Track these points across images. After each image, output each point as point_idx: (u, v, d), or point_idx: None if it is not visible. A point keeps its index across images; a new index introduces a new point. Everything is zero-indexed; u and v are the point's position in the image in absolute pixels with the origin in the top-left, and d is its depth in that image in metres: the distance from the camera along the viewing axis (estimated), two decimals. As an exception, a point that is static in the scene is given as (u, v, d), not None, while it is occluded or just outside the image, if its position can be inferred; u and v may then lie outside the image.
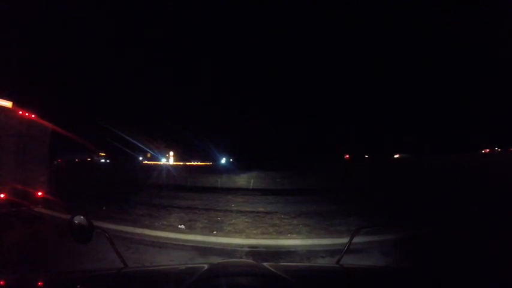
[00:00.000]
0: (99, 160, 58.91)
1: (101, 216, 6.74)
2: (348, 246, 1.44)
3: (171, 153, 59.30)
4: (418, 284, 1.15)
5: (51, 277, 1.32)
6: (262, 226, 6.52)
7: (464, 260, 3.38)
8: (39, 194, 7.40)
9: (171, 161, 57.44)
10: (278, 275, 1.12)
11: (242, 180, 20.72)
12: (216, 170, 32.93)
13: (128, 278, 1.23)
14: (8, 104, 8.06)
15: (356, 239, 1.64)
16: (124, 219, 6.64)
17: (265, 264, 1.38)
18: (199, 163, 58.18)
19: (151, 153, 59.84)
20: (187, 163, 57.87)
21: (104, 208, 7.88)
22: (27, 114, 7.36)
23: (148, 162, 56.51)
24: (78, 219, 1.33)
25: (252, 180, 18.51)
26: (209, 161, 57.10)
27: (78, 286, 1.15)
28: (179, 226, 6.19)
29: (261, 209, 8.79)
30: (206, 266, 1.28)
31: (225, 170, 32.89)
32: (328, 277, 1.26)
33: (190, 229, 6.09)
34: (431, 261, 3.56)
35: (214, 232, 5.92)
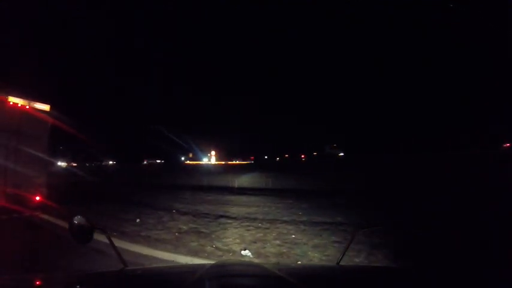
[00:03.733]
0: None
1: (130, 234, 4.95)
2: (348, 246, 1.42)
3: (213, 152, 58.97)
4: (418, 284, 1.11)
5: (51, 277, 1.27)
6: (364, 250, 4.21)
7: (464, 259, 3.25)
8: (37, 198, 6.14)
9: (213, 161, 57.05)
10: (278, 275, 1.07)
11: (292, 180, 18.36)
12: (260, 169, 31.18)
13: (128, 278, 1.19)
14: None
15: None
16: (163, 239, 4.72)
17: (265, 264, 1.43)
18: (240, 162, 56.84)
19: (193, 153, 60.38)
20: (229, 162, 56.89)
21: (138, 220, 6.10)
22: (20, 105, 6.03)
23: (190, 162, 56.69)
24: (78, 219, 1.25)
25: (305, 181, 16.20)
26: (250, 160, 55.57)
27: (78, 286, 1.10)
28: (242, 252, 4.09)
29: (339, 219, 6.44)
30: (206, 266, 1.26)
31: (269, 169, 30.96)
32: (328, 277, 1.23)
33: (259, 257, 3.97)
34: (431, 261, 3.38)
35: (299, 262, 3.75)
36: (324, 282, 1.14)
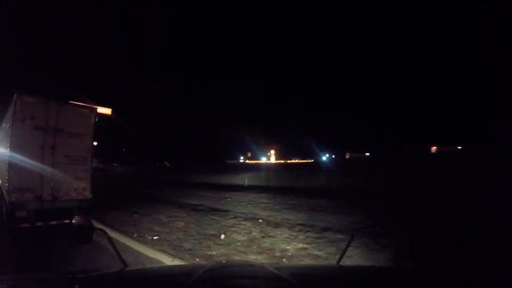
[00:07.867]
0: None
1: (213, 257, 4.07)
2: (348, 246, 1.38)
3: (272, 151, 58.36)
4: (418, 284, 1.09)
5: (51, 277, 1.27)
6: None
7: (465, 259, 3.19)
8: (78, 205, 5.66)
9: (273, 160, 56.47)
10: (278, 275, 1.08)
11: (367, 180, 16.26)
12: (325, 168, 29.26)
13: (128, 278, 1.18)
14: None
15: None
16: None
17: (265, 264, 1.40)
18: (300, 161, 55.13)
19: (251, 153, 60.66)
20: (288, 161, 55.56)
21: (223, 237, 5.19)
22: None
23: (250, 162, 56.90)
24: (78, 219, 1.27)
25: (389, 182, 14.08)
26: (310, 159, 53.38)
27: (77, 286, 1.08)
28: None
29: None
30: (206, 266, 1.24)
31: (335, 168, 28.82)
32: (328, 277, 1.21)
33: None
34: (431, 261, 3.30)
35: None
36: (324, 282, 1.11)
